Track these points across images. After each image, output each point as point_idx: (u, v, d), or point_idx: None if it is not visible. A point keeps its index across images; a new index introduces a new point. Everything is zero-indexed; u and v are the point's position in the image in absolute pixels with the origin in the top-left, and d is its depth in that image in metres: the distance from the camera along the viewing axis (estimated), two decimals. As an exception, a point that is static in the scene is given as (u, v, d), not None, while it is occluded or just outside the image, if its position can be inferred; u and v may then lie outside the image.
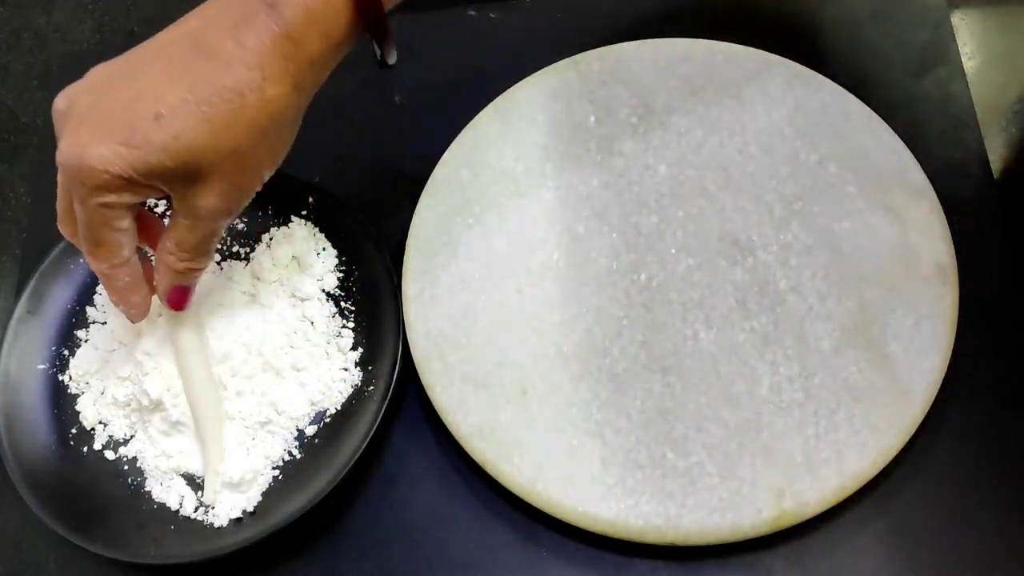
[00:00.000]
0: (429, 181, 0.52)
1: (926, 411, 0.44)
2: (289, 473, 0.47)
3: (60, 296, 0.51)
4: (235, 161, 0.39)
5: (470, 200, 0.52)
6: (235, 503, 0.46)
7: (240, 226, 0.53)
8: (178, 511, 0.47)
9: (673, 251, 0.49)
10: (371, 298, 0.50)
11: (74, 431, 0.49)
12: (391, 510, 0.47)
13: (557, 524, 0.44)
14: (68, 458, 0.48)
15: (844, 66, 0.54)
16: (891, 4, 0.56)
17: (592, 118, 0.53)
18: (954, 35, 0.54)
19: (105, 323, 0.51)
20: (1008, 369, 0.46)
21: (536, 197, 0.51)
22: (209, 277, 0.51)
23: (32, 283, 0.51)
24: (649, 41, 0.54)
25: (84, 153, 0.38)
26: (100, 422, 0.49)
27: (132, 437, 0.49)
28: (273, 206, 0.53)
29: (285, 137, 0.41)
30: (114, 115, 0.38)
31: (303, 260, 0.51)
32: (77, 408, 0.49)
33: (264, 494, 0.46)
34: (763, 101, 0.52)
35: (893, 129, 0.50)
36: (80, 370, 0.50)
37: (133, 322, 0.46)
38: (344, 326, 0.50)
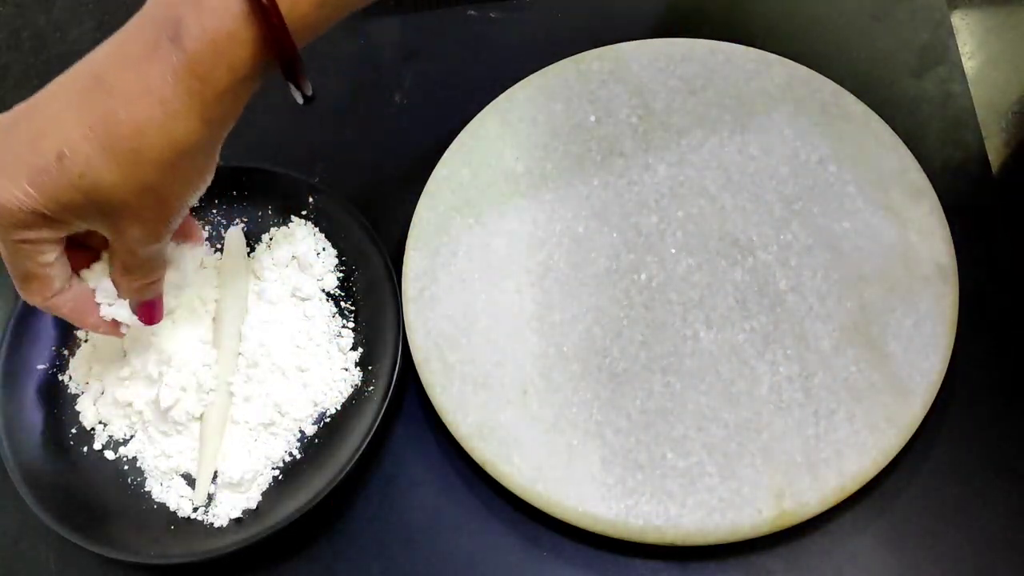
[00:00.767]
0: (429, 181, 0.52)
1: (926, 411, 0.44)
2: (289, 473, 0.47)
3: (60, 296, 0.51)
4: (148, 196, 0.38)
5: (470, 200, 0.52)
6: (235, 503, 0.46)
7: (240, 226, 0.53)
8: (178, 511, 0.47)
9: (673, 251, 0.49)
10: (371, 298, 0.50)
11: (74, 431, 0.49)
12: (391, 510, 0.47)
13: (557, 524, 0.44)
14: (68, 458, 0.48)
15: (844, 66, 0.54)
16: (891, 4, 0.56)
17: (592, 118, 0.53)
18: (954, 35, 0.54)
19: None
20: (1008, 369, 0.46)
21: (536, 197, 0.51)
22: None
23: (32, 283, 0.51)
24: (649, 41, 0.54)
25: None
26: (100, 422, 0.49)
27: (132, 437, 0.49)
28: (273, 206, 0.53)
29: (200, 168, 0.40)
30: (20, 155, 0.37)
31: (303, 260, 0.51)
32: (77, 408, 0.49)
33: (264, 494, 0.46)
34: (763, 101, 0.52)
35: (893, 129, 0.50)
36: (80, 370, 0.50)
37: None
38: (344, 326, 0.50)
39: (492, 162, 0.52)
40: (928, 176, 0.48)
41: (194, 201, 0.41)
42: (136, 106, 0.36)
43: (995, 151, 0.51)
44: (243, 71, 0.37)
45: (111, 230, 0.40)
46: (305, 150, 0.57)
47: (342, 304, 0.51)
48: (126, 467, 0.48)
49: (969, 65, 0.54)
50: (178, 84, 0.36)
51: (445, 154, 0.53)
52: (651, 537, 0.43)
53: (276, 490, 0.47)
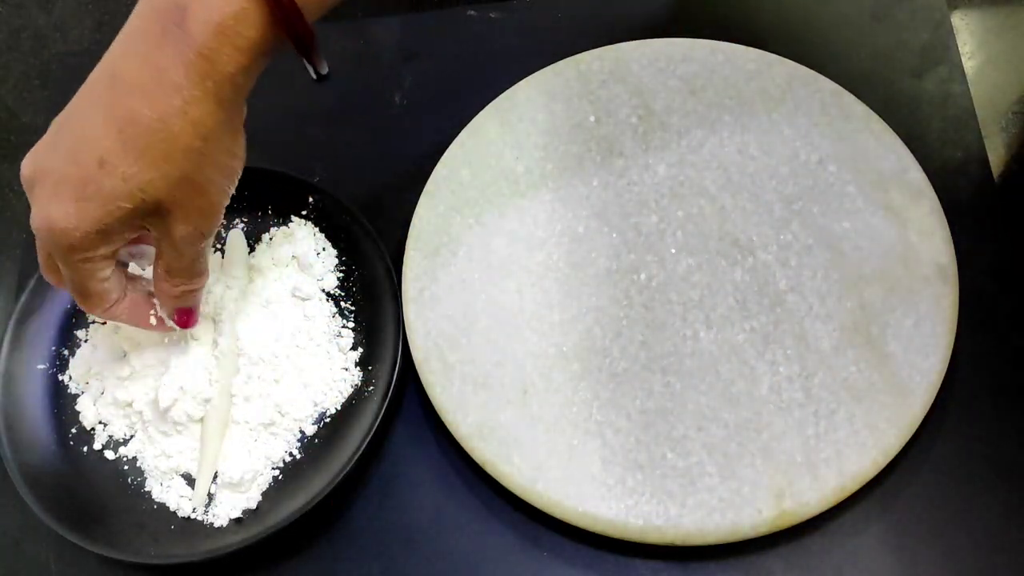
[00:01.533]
0: (429, 181, 0.52)
1: (926, 411, 0.44)
2: (289, 473, 0.47)
3: (60, 296, 0.51)
4: (188, 187, 0.39)
5: (470, 200, 0.52)
6: (235, 503, 0.46)
7: (240, 226, 0.53)
8: (178, 511, 0.47)
9: (673, 251, 0.49)
10: (371, 298, 0.50)
11: (74, 431, 0.49)
12: (391, 510, 0.47)
13: (557, 524, 0.44)
14: (68, 458, 0.48)
15: (844, 66, 0.54)
16: (891, 4, 0.56)
17: (592, 118, 0.53)
18: (954, 35, 0.54)
19: (105, 323, 0.51)
20: (1008, 369, 0.46)
21: (536, 197, 0.51)
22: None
23: (32, 283, 0.51)
24: (649, 41, 0.54)
25: (50, 217, 0.38)
26: (100, 422, 0.49)
27: (132, 437, 0.49)
28: (273, 206, 0.53)
29: (229, 148, 0.40)
30: (65, 172, 0.38)
31: (303, 260, 0.51)
32: (77, 408, 0.49)
33: (264, 494, 0.46)
34: (763, 101, 0.52)
35: (893, 129, 0.50)
36: (80, 370, 0.50)
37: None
38: (344, 326, 0.50)
39: (492, 162, 0.52)
40: (928, 176, 0.48)
41: (231, 188, 0.41)
42: (155, 99, 0.37)
43: (995, 151, 0.51)
44: (253, 51, 0.37)
45: (159, 230, 0.40)
46: (305, 150, 0.57)
47: (342, 304, 0.51)
48: (126, 467, 0.48)
49: (969, 65, 0.54)
50: (189, 70, 0.36)
51: (445, 154, 0.53)
52: (651, 537, 0.43)
53: (276, 490, 0.47)
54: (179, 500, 0.47)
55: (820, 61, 0.53)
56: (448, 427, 0.46)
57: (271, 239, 0.52)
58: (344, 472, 0.45)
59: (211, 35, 0.36)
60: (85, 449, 0.48)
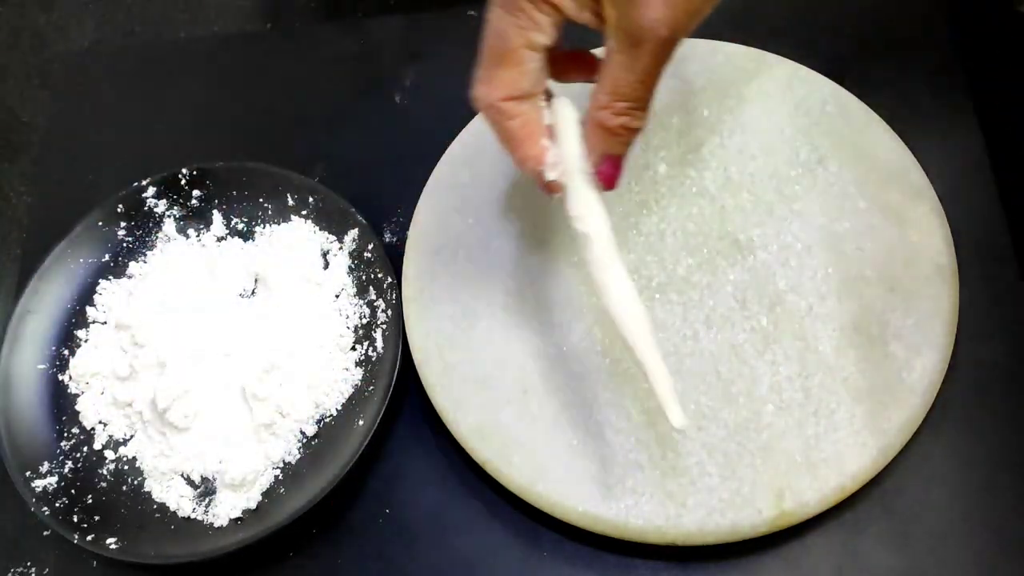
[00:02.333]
0: (429, 181, 0.52)
1: (926, 411, 0.44)
2: (289, 473, 0.47)
3: (60, 296, 0.51)
4: None
5: (470, 200, 0.51)
6: (235, 503, 0.46)
7: (240, 226, 0.53)
8: (178, 511, 0.47)
9: (673, 251, 0.49)
10: (371, 298, 0.50)
11: (74, 431, 0.49)
12: (391, 510, 0.47)
13: (557, 524, 0.44)
14: (68, 458, 0.48)
15: (844, 66, 0.54)
16: (891, 4, 0.56)
17: (592, 118, 0.53)
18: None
19: (105, 323, 0.51)
20: (1008, 369, 0.46)
21: (536, 197, 0.51)
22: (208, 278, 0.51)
23: (32, 283, 0.51)
24: (649, 41, 0.54)
25: None
26: (100, 422, 0.49)
27: (132, 437, 0.49)
28: (273, 206, 0.53)
29: None
30: None
31: (304, 260, 0.51)
32: (77, 408, 0.49)
33: (264, 494, 0.46)
34: (763, 101, 0.52)
35: (893, 129, 0.50)
36: (80, 370, 0.50)
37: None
38: (344, 326, 0.50)
39: (492, 162, 0.52)
40: (928, 176, 0.48)
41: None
42: None
43: (995, 151, 0.51)
44: None
45: (625, 10, 0.34)
46: (305, 150, 0.57)
47: (342, 304, 0.51)
48: (126, 467, 0.48)
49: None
50: None
51: (445, 154, 0.53)
52: (651, 537, 0.43)
53: (276, 490, 0.47)
54: (179, 500, 0.47)
55: (820, 61, 0.53)
56: (448, 427, 0.46)
57: (271, 239, 0.52)
58: (344, 472, 0.45)
59: None
60: (85, 449, 0.48)
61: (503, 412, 0.46)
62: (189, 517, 0.46)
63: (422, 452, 0.48)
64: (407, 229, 0.51)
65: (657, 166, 0.51)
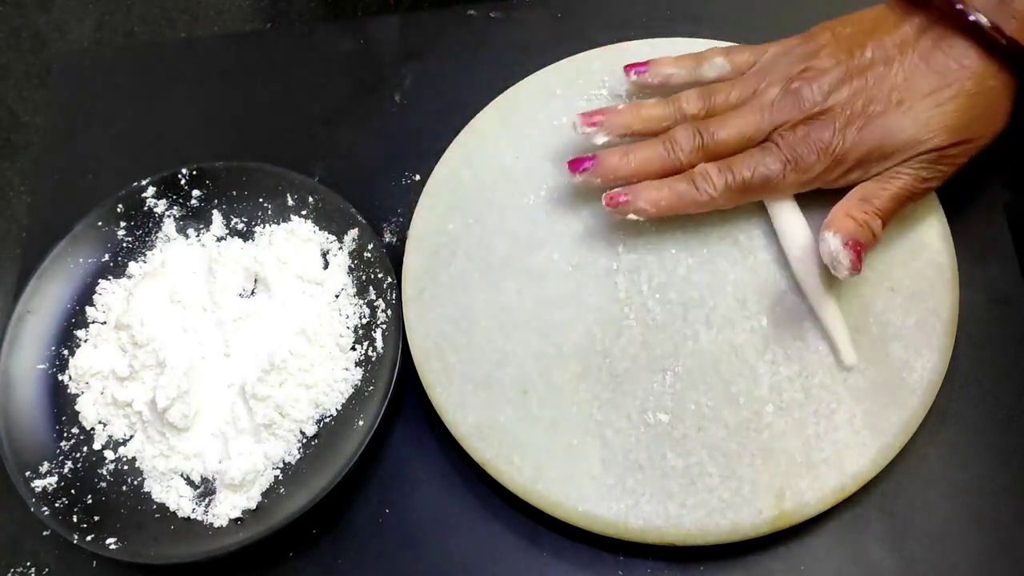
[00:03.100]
0: (429, 181, 0.52)
1: (926, 411, 0.44)
2: (289, 473, 0.47)
3: (60, 296, 0.51)
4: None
5: (470, 200, 0.51)
6: (235, 503, 0.46)
7: (240, 226, 0.53)
8: (178, 511, 0.47)
9: (673, 251, 0.49)
10: (371, 298, 0.50)
11: (74, 431, 0.49)
12: (391, 510, 0.47)
13: (557, 524, 0.44)
14: (68, 458, 0.48)
15: (844, 66, 0.53)
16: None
17: (592, 118, 0.53)
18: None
19: (105, 323, 0.51)
20: (1008, 369, 0.46)
21: (536, 197, 0.51)
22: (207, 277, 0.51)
23: (32, 283, 0.51)
24: (649, 41, 0.54)
25: None
26: (100, 422, 0.49)
27: (132, 437, 0.49)
28: (273, 206, 0.53)
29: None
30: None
31: (304, 260, 0.51)
32: (77, 408, 0.49)
33: (264, 494, 0.46)
34: (763, 101, 0.52)
35: (893, 129, 0.50)
36: (80, 370, 0.50)
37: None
38: (344, 326, 0.50)
39: (492, 162, 0.52)
40: (928, 176, 0.48)
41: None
42: None
43: (995, 151, 0.51)
44: None
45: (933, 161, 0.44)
46: (305, 150, 0.57)
47: (342, 304, 0.51)
48: (126, 467, 0.48)
49: (969, 65, 0.54)
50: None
51: (445, 154, 0.53)
52: (651, 537, 0.43)
53: (276, 490, 0.47)
54: (179, 500, 0.47)
55: (820, 61, 0.53)
56: (448, 427, 0.46)
57: (271, 239, 0.52)
58: (344, 472, 0.45)
59: None
60: (85, 449, 0.48)
61: (503, 412, 0.46)
62: (189, 517, 0.46)
63: (422, 452, 0.48)
64: (407, 229, 0.51)
65: (657, 166, 0.51)
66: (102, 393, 0.49)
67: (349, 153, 0.57)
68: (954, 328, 0.45)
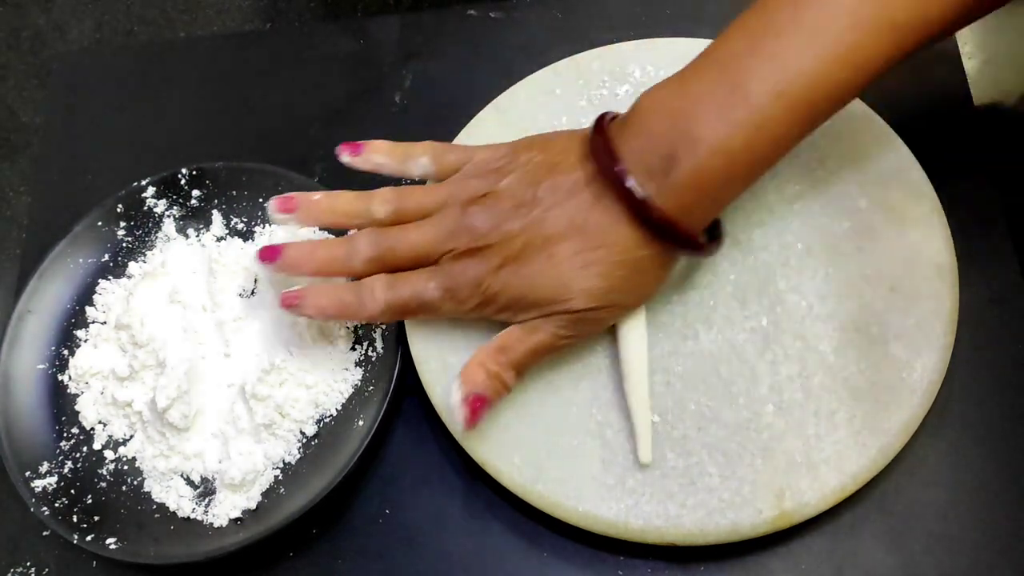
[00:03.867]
0: (429, 181, 0.52)
1: (926, 411, 0.44)
2: (289, 473, 0.47)
3: (60, 296, 0.51)
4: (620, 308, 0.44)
5: (470, 200, 0.51)
6: (235, 503, 0.46)
7: (240, 226, 0.53)
8: (178, 511, 0.47)
9: (673, 251, 0.49)
10: (371, 298, 0.50)
11: (74, 431, 0.49)
12: (391, 510, 0.47)
13: (557, 524, 0.44)
14: (68, 458, 0.48)
15: (844, 66, 0.53)
16: (891, 4, 0.56)
17: (592, 118, 0.53)
18: (954, 35, 0.54)
19: (105, 323, 0.51)
20: (1008, 369, 0.46)
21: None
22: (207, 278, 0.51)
23: (32, 283, 0.51)
24: (649, 41, 0.54)
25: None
26: (100, 422, 0.49)
27: (132, 437, 0.49)
28: (273, 206, 0.53)
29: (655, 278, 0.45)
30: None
31: (303, 260, 0.51)
32: (77, 408, 0.49)
33: (264, 494, 0.46)
34: (763, 101, 0.52)
35: (893, 129, 0.50)
36: (80, 370, 0.50)
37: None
38: (344, 326, 0.50)
39: (492, 162, 0.52)
40: (928, 176, 0.48)
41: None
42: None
43: (995, 151, 0.51)
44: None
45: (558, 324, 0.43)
46: (305, 150, 0.57)
47: (342, 304, 0.51)
48: (126, 467, 0.48)
49: (969, 65, 0.54)
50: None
51: (445, 154, 0.53)
52: (651, 537, 0.43)
53: (276, 490, 0.47)
54: (179, 500, 0.47)
55: (820, 61, 0.53)
56: (448, 427, 0.46)
57: (271, 239, 0.52)
58: (344, 472, 0.45)
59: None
60: (85, 449, 0.48)
61: (503, 412, 0.46)
62: (189, 517, 0.46)
63: (422, 452, 0.48)
64: (407, 229, 0.51)
65: (657, 166, 0.51)
66: (102, 393, 0.49)
67: (349, 153, 0.56)
68: (954, 328, 0.45)
